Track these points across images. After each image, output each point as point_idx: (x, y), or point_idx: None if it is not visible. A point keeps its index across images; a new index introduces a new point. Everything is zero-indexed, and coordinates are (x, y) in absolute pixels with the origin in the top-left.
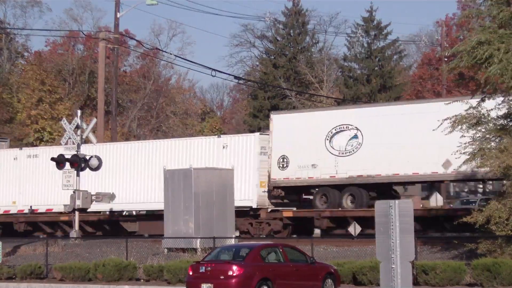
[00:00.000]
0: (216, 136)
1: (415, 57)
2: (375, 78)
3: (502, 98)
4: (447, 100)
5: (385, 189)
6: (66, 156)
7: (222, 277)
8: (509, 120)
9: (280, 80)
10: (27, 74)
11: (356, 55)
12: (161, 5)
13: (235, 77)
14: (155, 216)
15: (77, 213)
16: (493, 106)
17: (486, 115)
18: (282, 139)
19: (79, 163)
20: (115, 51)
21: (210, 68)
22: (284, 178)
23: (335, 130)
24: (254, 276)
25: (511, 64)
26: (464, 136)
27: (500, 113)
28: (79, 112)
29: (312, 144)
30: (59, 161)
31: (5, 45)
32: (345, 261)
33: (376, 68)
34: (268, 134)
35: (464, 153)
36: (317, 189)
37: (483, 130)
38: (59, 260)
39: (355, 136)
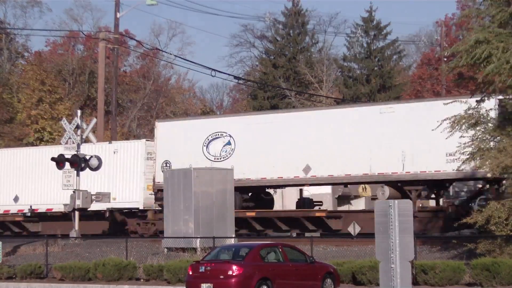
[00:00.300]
0: (108, 142)
1: (414, 57)
2: (374, 78)
3: (501, 97)
4: (311, 109)
5: (258, 192)
6: (66, 156)
7: (221, 276)
8: (508, 119)
9: (280, 80)
10: (27, 74)
11: (356, 55)
12: (161, 5)
13: (235, 77)
14: (57, 217)
15: (77, 213)
16: (492, 106)
17: (485, 115)
18: (166, 145)
19: (79, 163)
20: (115, 51)
21: (210, 68)
22: None
23: (211, 137)
24: (253, 275)
25: (509, 63)
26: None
27: (499, 112)
28: (79, 112)
29: (191, 150)
30: (59, 161)
31: (5, 45)
32: (345, 261)
33: (375, 68)
34: (154, 141)
35: (463, 153)
36: None
37: (482, 130)
38: (59, 259)
39: (229, 143)
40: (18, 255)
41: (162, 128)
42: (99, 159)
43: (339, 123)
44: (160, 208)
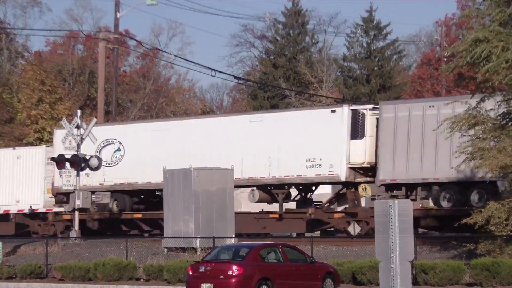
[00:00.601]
0: (12, 148)
1: (414, 57)
2: (374, 78)
3: (501, 97)
4: (191, 118)
5: (147, 195)
6: (66, 156)
7: (222, 276)
8: (507, 119)
9: (280, 80)
10: (27, 74)
11: (356, 55)
12: (161, 5)
13: (235, 77)
14: None
15: (77, 212)
16: (492, 106)
17: (485, 115)
18: (64, 151)
19: (79, 163)
20: (115, 51)
21: (210, 68)
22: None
23: (103, 143)
24: (253, 275)
25: (508, 62)
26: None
27: (499, 111)
28: (79, 112)
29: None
30: (59, 161)
31: (5, 45)
32: (345, 261)
33: (375, 68)
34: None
35: (463, 152)
36: None
37: (481, 130)
38: (59, 260)
39: (118, 149)
40: (18, 255)
41: (59, 134)
42: (99, 159)
43: (216, 131)
44: (60, 210)
